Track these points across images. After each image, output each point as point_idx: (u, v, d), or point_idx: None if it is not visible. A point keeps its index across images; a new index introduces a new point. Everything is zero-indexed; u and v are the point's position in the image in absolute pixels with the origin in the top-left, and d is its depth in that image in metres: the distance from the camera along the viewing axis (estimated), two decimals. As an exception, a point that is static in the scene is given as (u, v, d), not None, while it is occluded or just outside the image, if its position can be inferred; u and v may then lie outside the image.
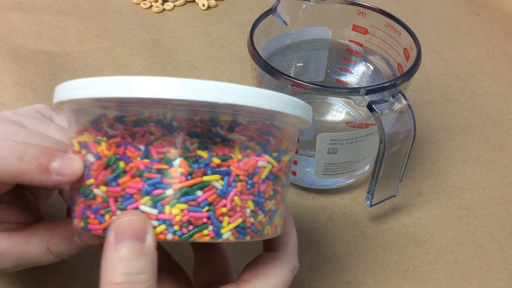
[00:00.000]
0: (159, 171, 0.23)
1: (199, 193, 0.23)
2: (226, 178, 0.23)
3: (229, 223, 0.23)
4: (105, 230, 0.24)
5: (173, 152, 0.23)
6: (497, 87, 0.55)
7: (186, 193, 0.23)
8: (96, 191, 0.24)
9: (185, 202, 0.23)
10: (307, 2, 0.40)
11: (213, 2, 0.64)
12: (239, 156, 0.24)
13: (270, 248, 0.29)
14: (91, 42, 0.57)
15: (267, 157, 0.25)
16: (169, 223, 0.23)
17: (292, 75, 0.34)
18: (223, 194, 0.23)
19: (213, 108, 0.23)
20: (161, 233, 0.23)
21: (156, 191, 0.23)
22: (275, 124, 0.25)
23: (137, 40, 0.57)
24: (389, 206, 0.43)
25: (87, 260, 0.37)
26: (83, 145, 0.25)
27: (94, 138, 0.24)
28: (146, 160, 0.23)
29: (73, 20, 0.59)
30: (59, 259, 0.29)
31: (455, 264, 0.39)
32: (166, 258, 0.31)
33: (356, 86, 0.44)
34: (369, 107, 0.34)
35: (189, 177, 0.23)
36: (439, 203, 0.43)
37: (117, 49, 0.56)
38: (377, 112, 0.33)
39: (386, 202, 0.40)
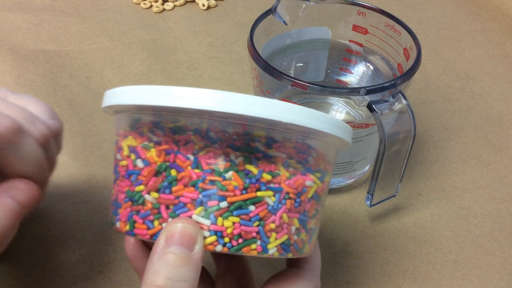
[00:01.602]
0: (213, 182, 0.23)
1: (252, 207, 0.23)
2: (277, 195, 0.24)
3: (276, 239, 0.24)
4: (153, 236, 0.24)
5: (221, 164, 0.23)
6: (497, 87, 0.55)
7: (239, 207, 0.23)
8: (147, 197, 0.24)
9: (237, 216, 0.23)
10: (307, 2, 0.40)
11: (213, 2, 0.64)
12: (287, 174, 0.24)
13: (294, 264, 0.28)
14: (91, 42, 0.57)
15: (312, 176, 0.25)
16: (220, 235, 0.23)
17: (292, 75, 0.34)
18: (274, 211, 0.24)
19: (252, 122, 0.23)
20: (211, 243, 0.23)
21: (211, 202, 0.23)
22: (309, 143, 0.25)
23: (137, 40, 0.57)
24: (389, 206, 0.43)
25: (87, 260, 0.37)
26: (132, 150, 0.25)
27: (141, 143, 0.24)
28: (197, 170, 0.23)
29: (73, 20, 0.59)
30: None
31: (455, 264, 0.39)
32: None
33: (356, 86, 0.44)
34: (369, 107, 0.34)
35: (243, 192, 0.23)
36: (439, 203, 0.43)
37: (117, 49, 0.56)
38: (377, 112, 0.33)
39: (386, 202, 0.40)
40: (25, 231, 0.39)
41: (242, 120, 0.23)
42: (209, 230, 0.23)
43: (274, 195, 0.24)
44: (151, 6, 0.63)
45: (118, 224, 0.25)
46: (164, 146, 0.24)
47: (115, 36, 0.58)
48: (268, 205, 0.24)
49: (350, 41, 0.43)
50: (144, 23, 0.60)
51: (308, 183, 0.25)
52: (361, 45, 0.43)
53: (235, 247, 0.23)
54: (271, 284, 0.27)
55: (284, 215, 0.24)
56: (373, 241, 0.40)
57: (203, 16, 0.62)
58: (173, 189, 0.23)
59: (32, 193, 0.26)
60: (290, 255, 0.24)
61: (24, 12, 0.59)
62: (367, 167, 0.43)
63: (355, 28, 0.42)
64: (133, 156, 0.25)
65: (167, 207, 0.24)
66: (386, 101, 0.34)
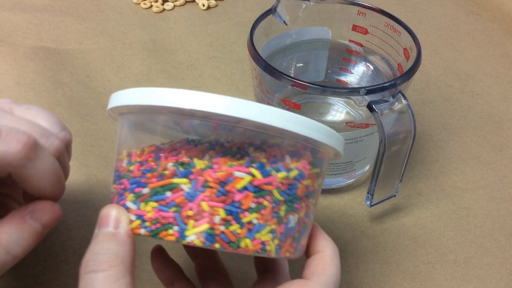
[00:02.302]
0: (142, 171, 0.25)
1: (168, 193, 0.24)
2: (194, 182, 0.24)
3: (194, 226, 0.24)
4: None
5: (145, 154, 0.26)
6: (497, 87, 0.55)
7: (157, 193, 0.24)
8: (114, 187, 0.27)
9: (156, 201, 0.24)
10: (307, 2, 0.40)
11: (213, 2, 0.64)
12: (204, 163, 0.24)
13: (305, 275, 0.27)
14: (91, 42, 0.57)
15: (251, 169, 0.25)
16: (142, 219, 0.25)
17: (292, 75, 0.34)
18: (191, 198, 0.24)
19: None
20: (137, 227, 0.25)
21: (137, 189, 0.25)
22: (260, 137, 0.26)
23: (137, 40, 0.57)
24: (389, 206, 0.43)
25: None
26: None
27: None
28: (133, 161, 0.26)
29: (73, 20, 0.59)
30: (15, 259, 0.27)
31: (455, 264, 0.39)
32: (179, 272, 0.33)
33: (356, 86, 0.44)
34: (369, 107, 0.34)
35: (159, 178, 0.24)
36: (439, 203, 0.43)
37: (117, 49, 0.56)
38: (377, 112, 0.33)
39: (386, 202, 0.40)
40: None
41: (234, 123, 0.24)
42: (136, 215, 0.25)
43: (190, 182, 0.24)
44: (151, 6, 0.63)
45: None
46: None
47: (115, 36, 0.58)
48: (184, 191, 0.24)
49: (350, 41, 0.43)
50: (144, 23, 0.60)
51: (237, 173, 0.24)
52: (361, 45, 0.43)
53: (154, 231, 0.24)
54: None
55: (204, 203, 0.24)
56: (373, 241, 0.40)
57: (203, 16, 0.62)
58: (120, 180, 0.26)
59: (55, 213, 0.28)
60: (217, 246, 0.24)
61: (24, 12, 0.59)
62: (367, 167, 0.43)
63: (355, 28, 0.42)
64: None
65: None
66: (386, 101, 0.34)
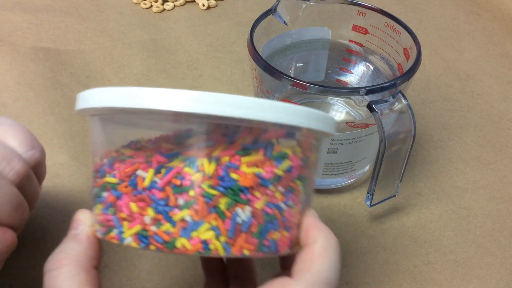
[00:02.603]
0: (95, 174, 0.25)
1: (104, 194, 0.24)
2: (118, 181, 0.24)
3: (129, 228, 0.23)
4: None
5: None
6: (497, 87, 0.55)
7: (97, 195, 0.25)
8: None
9: (100, 203, 0.25)
10: (307, 2, 0.40)
11: (213, 2, 0.64)
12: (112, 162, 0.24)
13: (291, 272, 0.24)
14: (91, 42, 0.57)
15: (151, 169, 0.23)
16: (96, 222, 0.25)
17: (292, 75, 0.34)
18: (119, 197, 0.24)
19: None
20: (95, 230, 0.25)
21: (92, 192, 0.25)
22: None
23: (137, 40, 0.57)
24: (389, 206, 0.43)
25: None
26: None
27: None
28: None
29: (73, 20, 0.59)
30: None
31: (455, 264, 0.39)
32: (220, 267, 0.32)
33: (356, 86, 0.44)
34: (369, 107, 0.34)
35: (98, 180, 0.25)
36: (439, 203, 0.43)
37: (117, 49, 0.56)
38: (377, 112, 0.33)
39: (386, 202, 0.40)
40: (25, 232, 0.39)
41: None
42: (95, 218, 0.25)
43: (117, 183, 0.24)
44: (151, 6, 0.63)
45: None
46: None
47: (115, 36, 0.58)
48: (113, 191, 0.24)
49: (350, 41, 0.43)
50: (144, 23, 0.60)
51: (139, 172, 0.23)
52: (361, 45, 0.43)
53: (103, 234, 0.24)
54: None
55: (132, 204, 0.23)
56: (373, 241, 0.40)
57: (203, 16, 0.62)
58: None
59: (7, 241, 0.27)
60: (152, 248, 0.23)
61: (24, 12, 0.59)
62: (367, 167, 0.43)
63: (355, 28, 0.42)
64: None
65: None
66: (386, 101, 0.34)
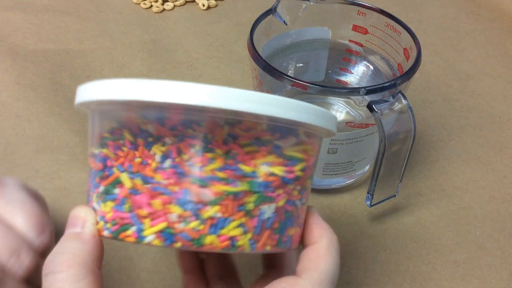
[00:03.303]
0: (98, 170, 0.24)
1: (116, 190, 0.23)
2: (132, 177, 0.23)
3: (151, 226, 0.22)
4: None
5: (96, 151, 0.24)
6: (497, 87, 0.55)
7: (107, 191, 0.23)
8: None
9: (111, 200, 0.23)
10: (307, 2, 0.40)
11: (213, 2, 0.64)
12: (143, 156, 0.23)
13: (297, 271, 0.25)
14: (91, 42, 0.57)
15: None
16: (104, 220, 0.24)
17: (292, 75, 0.34)
18: (137, 196, 0.22)
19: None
20: (101, 229, 0.24)
21: (96, 190, 0.24)
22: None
23: (137, 40, 0.57)
24: (389, 206, 0.43)
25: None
26: None
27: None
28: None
29: (73, 20, 0.59)
30: None
31: (455, 264, 0.39)
32: (228, 270, 0.31)
33: (356, 86, 0.44)
34: (369, 107, 0.34)
35: (105, 176, 0.24)
36: (439, 203, 0.43)
37: (117, 49, 0.56)
38: (377, 112, 0.33)
39: (386, 202, 0.40)
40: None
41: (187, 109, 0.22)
42: (99, 216, 0.24)
43: (132, 179, 0.23)
44: (151, 6, 0.63)
45: None
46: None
47: (115, 36, 0.58)
48: (129, 188, 0.22)
49: (350, 41, 0.43)
50: (144, 23, 0.60)
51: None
52: (361, 45, 0.43)
53: (114, 232, 0.23)
54: None
55: (156, 201, 0.22)
56: (373, 241, 0.40)
57: (203, 16, 0.62)
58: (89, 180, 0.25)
59: None
60: (178, 245, 0.22)
61: (24, 12, 0.59)
62: (367, 167, 0.43)
63: (355, 28, 0.42)
64: None
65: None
66: (386, 101, 0.34)
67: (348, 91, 0.36)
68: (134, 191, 0.22)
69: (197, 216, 0.22)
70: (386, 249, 0.40)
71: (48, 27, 0.58)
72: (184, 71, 0.54)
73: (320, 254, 0.24)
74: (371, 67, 0.43)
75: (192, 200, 0.22)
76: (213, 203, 0.22)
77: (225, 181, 0.23)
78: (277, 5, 0.39)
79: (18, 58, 0.52)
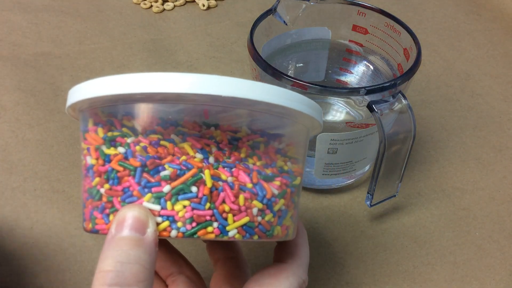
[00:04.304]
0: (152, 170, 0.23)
1: (194, 189, 0.23)
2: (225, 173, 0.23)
3: (234, 221, 0.23)
4: None
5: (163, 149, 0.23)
6: (497, 87, 0.55)
7: (181, 190, 0.23)
8: (101, 190, 0.24)
9: (185, 199, 0.23)
10: (307, 2, 0.40)
11: (213, 2, 0.64)
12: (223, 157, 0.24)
13: (280, 259, 0.28)
14: (91, 42, 0.57)
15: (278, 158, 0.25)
16: (172, 220, 0.23)
17: (292, 75, 0.34)
18: (221, 193, 0.23)
19: (213, 102, 0.23)
20: (165, 229, 0.23)
21: (155, 188, 0.23)
22: (277, 132, 0.25)
23: (137, 40, 0.57)
24: (389, 206, 0.43)
25: (88, 264, 0.37)
26: (87, 147, 0.25)
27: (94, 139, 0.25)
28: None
29: (73, 20, 0.59)
30: None
31: (455, 265, 0.39)
32: (184, 264, 0.31)
33: (356, 86, 0.44)
34: (369, 107, 0.34)
35: (180, 173, 0.23)
36: (439, 203, 0.43)
37: (117, 49, 0.56)
38: (377, 112, 0.33)
39: (386, 202, 0.40)
40: (26, 237, 0.39)
41: (197, 100, 0.23)
42: (161, 216, 0.23)
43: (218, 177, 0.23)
44: (151, 6, 0.63)
45: (84, 224, 0.25)
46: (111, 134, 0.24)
47: (115, 36, 0.58)
48: (213, 186, 0.23)
49: (350, 41, 0.43)
50: (144, 23, 0.60)
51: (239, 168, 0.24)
52: (361, 45, 0.43)
53: (189, 231, 0.23)
54: (254, 282, 0.26)
55: (241, 197, 0.23)
56: (373, 241, 0.40)
57: (203, 16, 0.62)
58: (120, 179, 0.23)
59: None
60: (256, 238, 0.24)
61: (24, 12, 0.59)
62: (367, 167, 0.43)
63: (355, 28, 0.42)
64: (85, 152, 0.25)
65: (120, 199, 0.23)
66: (386, 101, 0.34)
67: (348, 91, 0.36)
68: (214, 188, 0.23)
69: (271, 209, 0.24)
70: (386, 249, 0.40)
71: (48, 27, 0.58)
72: (184, 71, 0.54)
73: (298, 243, 0.28)
74: (371, 67, 0.43)
75: (266, 195, 0.24)
76: (279, 196, 0.25)
77: (287, 176, 0.25)
78: (277, 5, 0.39)
79: (19, 63, 0.52)
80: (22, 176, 0.42)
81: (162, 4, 0.63)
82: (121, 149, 0.23)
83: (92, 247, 0.38)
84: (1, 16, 0.58)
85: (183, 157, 0.23)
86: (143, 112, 0.23)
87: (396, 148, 0.35)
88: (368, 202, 0.38)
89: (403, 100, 0.34)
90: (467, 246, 0.40)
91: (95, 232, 0.24)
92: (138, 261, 0.21)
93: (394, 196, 0.39)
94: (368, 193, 0.37)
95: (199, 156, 0.23)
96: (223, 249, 0.31)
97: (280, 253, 0.28)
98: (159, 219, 0.23)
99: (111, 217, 0.23)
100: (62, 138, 0.46)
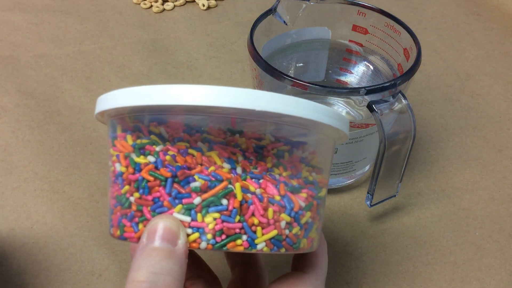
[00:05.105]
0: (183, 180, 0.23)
1: (224, 202, 0.23)
2: (255, 187, 0.23)
3: (263, 234, 0.23)
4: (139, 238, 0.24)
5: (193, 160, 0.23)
6: (497, 87, 0.55)
7: (211, 202, 0.23)
8: (131, 199, 0.24)
9: (216, 211, 0.23)
10: (307, 2, 0.40)
11: (213, 2, 0.64)
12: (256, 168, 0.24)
13: (299, 268, 0.28)
14: (91, 42, 0.57)
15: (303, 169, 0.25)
16: (202, 231, 0.23)
17: (292, 75, 0.34)
18: (253, 205, 0.23)
19: (240, 115, 0.23)
20: (194, 241, 0.23)
21: (186, 200, 0.23)
22: (301, 140, 0.25)
23: (137, 40, 0.57)
24: (389, 206, 0.43)
25: (88, 265, 0.37)
26: (117, 154, 0.25)
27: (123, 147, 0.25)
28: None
29: (73, 20, 0.59)
30: None
31: (455, 265, 0.39)
32: (204, 268, 0.31)
33: (356, 86, 0.44)
34: (369, 107, 0.34)
35: (211, 186, 0.23)
36: (439, 203, 0.43)
37: (117, 49, 0.56)
38: (377, 112, 0.33)
39: (386, 202, 0.40)
40: (26, 237, 0.39)
41: (229, 113, 0.23)
42: (191, 227, 0.23)
43: (248, 189, 0.23)
44: (151, 6, 0.63)
45: (111, 230, 0.25)
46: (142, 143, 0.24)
47: (115, 36, 0.58)
48: (243, 199, 0.23)
49: (350, 41, 0.43)
50: (144, 23, 0.60)
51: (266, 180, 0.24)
52: (361, 45, 0.43)
53: (219, 244, 0.23)
54: None
55: (270, 210, 0.23)
56: (373, 241, 0.40)
57: (203, 16, 0.62)
58: (150, 189, 0.23)
59: None
60: (283, 250, 0.24)
61: (24, 12, 0.59)
62: (367, 167, 0.43)
63: (355, 28, 0.42)
64: (114, 158, 0.25)
65: (150, 208, 0.23)
66: (386, 101, 0.34)
67: (348, 91, 0.36)
68: (244, 201, 0.23)
69: (298, 222, 0.24)
70: (386, 249, 0.40)
71: (48, 27, 0.58)
72: (184, 71, 0.54)
73: (318, 253, 0.28)
74: (371, 67, 0.43)
75: (293, 208, 0.24)
76: (306, 209, 0.25)
77: (312, 187, 0.25)
78: (277, 5, 0.39)
79: (19, 66, 0.52)
80: (22, 177, 0.43)
81: (162, 4, 0.63)
82: (151, 158, 0.23)
83: (92, 247, 0.38)
84: (1, 16, 0.58)
85: (212, 168, 0.23)
86: (170, 119, 0.24)
87: (396, 148, 0.35)
88: (368, 202, 0.38)
89: (403, 100, 0.34)
90: (467, 246, 0.40)
91: (123, 239, 0.24)
92: (170, 272, 0.21)
93: (394, 196, 0.39)
94: (368, 193, 0.37)
95: (226, 166, 0.23)
96: (241, 254, 0.31)
97: (299, 262, 0.28)
98: (189, 231, 0.23)
99: (140, 226, 0.24)
100: (62, 139, 0.46)
